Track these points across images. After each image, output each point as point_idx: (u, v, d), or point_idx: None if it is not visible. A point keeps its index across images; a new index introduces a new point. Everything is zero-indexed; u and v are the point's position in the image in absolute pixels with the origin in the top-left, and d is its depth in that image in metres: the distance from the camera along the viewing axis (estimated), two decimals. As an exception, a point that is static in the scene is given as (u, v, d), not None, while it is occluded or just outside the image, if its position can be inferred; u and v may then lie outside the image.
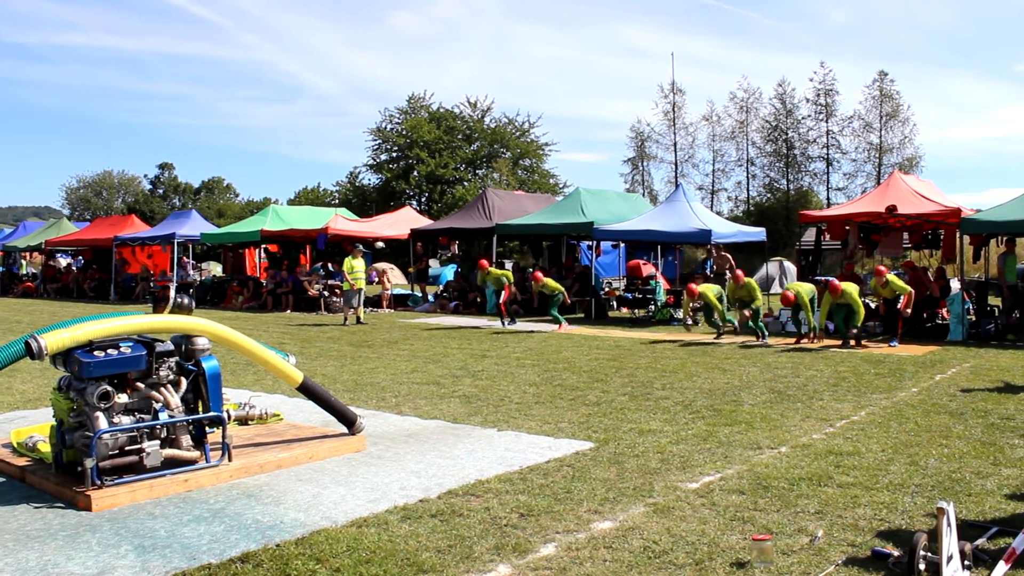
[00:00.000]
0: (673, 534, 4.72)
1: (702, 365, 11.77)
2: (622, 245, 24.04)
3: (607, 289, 22.83)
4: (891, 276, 14.79)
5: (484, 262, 19.59)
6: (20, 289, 34.75)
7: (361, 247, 20.38)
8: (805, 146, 55.03)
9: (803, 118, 54.92)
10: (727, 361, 12.22)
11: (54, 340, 5.42)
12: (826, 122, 54.06)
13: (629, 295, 20.88)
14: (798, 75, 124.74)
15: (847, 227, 18.30)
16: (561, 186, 57.00)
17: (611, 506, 5.25)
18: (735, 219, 41.34)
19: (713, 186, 57.38)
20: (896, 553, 4.23)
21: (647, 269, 22.21)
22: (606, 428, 7.52)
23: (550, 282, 18.23)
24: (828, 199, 52.58)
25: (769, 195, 55.87)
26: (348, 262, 19.34)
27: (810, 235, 23.53)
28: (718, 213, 37.95)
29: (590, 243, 23.49)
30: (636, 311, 20.36)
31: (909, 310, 14.30)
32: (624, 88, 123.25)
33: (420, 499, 5.39)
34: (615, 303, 21.75)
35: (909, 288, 14.51)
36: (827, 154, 54.22)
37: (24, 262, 41.86)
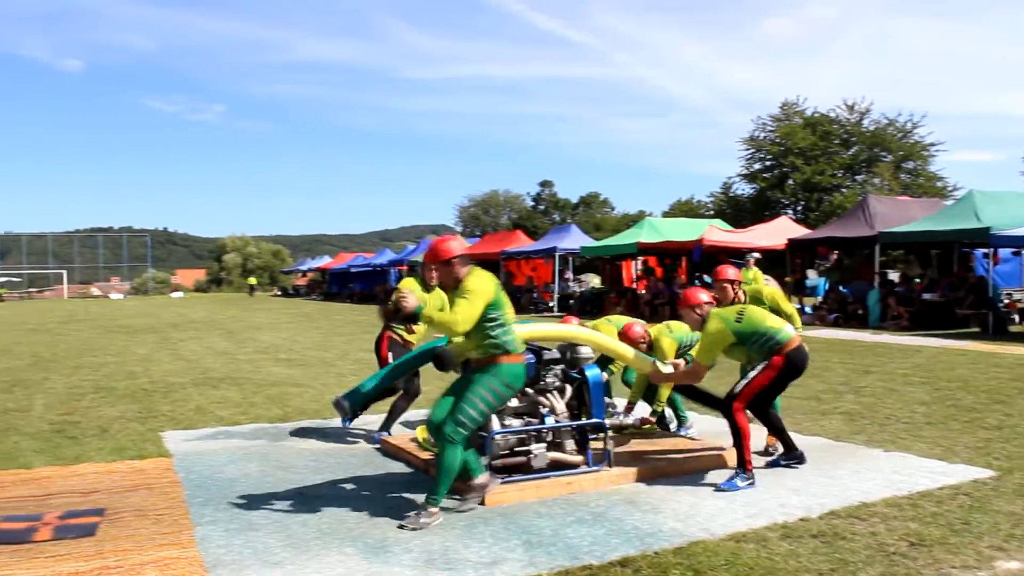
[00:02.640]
0: (1096, 580, 4.18)
1: None
2: (1024, 252, 21.70)
3: (1007, 301, 20.70)
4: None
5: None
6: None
7: (754, 256, 19.83)
8: None
9: None
10: None
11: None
12: None
13: (1036, 308, 18.79)
14: None
15: None
16: (950, 189, 52.39)
17: (1019, 544, 4.74)
18: None
19: None
20: None
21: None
22: (1010, 455, 6.82)
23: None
24: None
25: None
26: (744, 273, 19.02)
27: None
28: None
29: (986, 251, 21.45)
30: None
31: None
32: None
33: (800, 518, 5.23)
34: (1017, 316, 19.67)
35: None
36: None
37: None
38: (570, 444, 6.20)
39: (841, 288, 24.02)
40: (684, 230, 27.40)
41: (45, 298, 69.18)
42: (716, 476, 6.25)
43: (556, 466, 6.06)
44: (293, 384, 11.77)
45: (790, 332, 6.15)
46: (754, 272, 18.54)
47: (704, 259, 25.44)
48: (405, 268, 44.64)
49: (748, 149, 58.38)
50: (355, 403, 6.06)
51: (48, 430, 8.52)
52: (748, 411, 6.16)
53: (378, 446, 7.50)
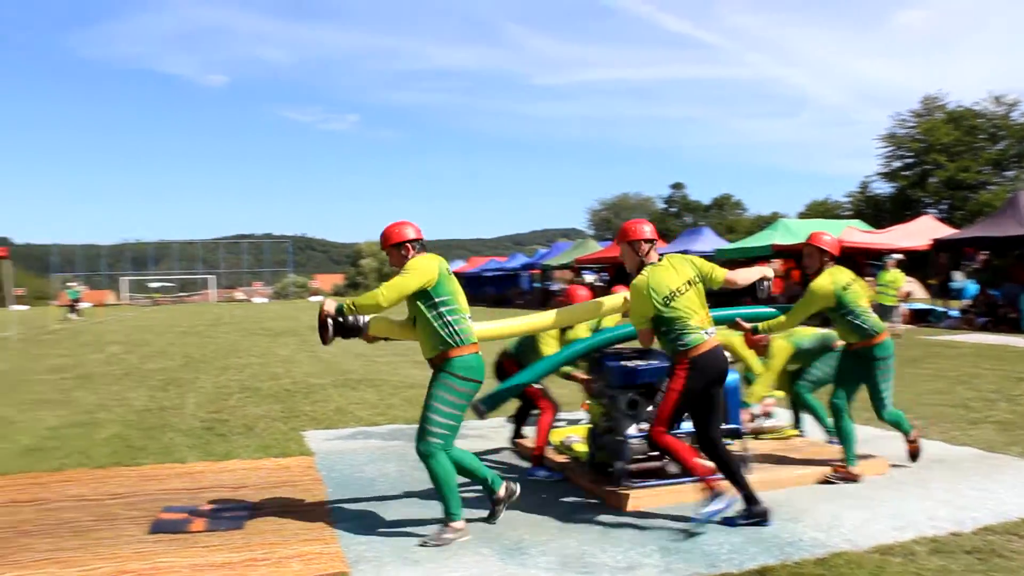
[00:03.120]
0: None
1: None
2: None
3: None
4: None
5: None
6: (554, 303, 38.54)
7: (895, 258, 18.93)
8: None
9: None
10: None
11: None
12: None
13: None
14: None
15: None
16: (1114, 183, 49.24)
17: None
18: None
19: None
20: None
21: None
22: None
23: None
24: None
25: None
26: (881, 275, 18.22)
27: None
28: None
29: None
30: None
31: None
32: None
33: (951, 532, 5.00)
34: None
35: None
36: None
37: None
38: (706, 450, 6.11)
39: (990, 291, 22.91)
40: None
41: (194, 302, 72.72)
42: (859, 487, 6.06)
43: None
44: (428, 386, 11.97)
45: (703, 336, 5.21)
46: (893, 274, 17.86)
47: (841, 261, 24.66)
48: (538, 272, 44.92)
49: (887, 146, 56.39)
50: (492, 407, 6.13)
51: (199, 427, 8.94)
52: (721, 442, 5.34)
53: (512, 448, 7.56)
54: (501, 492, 5.34)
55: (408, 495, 6.11)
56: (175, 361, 16.43)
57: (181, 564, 4.71)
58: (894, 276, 17.83)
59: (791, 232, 26.80)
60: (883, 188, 57.77)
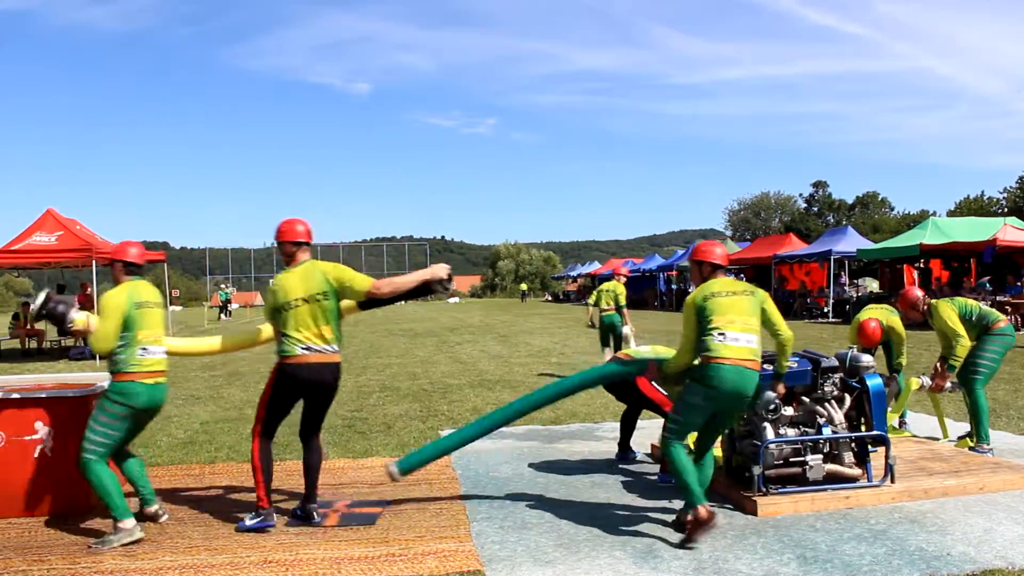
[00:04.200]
0: None
1: None
2: None
3: None
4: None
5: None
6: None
7: None
8: None
9: None
10: None
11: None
12: None
13: None
14: None
15: None
16: None
17: None
18: None
19: None
20: None
21: None
22: None
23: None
24: None
25: None
26: None
27: None
28: None
29: None
30: None
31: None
32: None
33: (1117, 550, 4.70)
34: None
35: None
36: None
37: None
38: (848, 456, 5.92)
39: None
40: (973, 230, 25.33)
41: (336, 303, 74.82)
42: (1016, 500, 5.74)
43: (833, 479, 5.81)
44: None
45: (297, 349, 5.49)
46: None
47: (997, 261, 23.44)
48: (675, 273, 44.40)
49: (1050, 139, 53.17)
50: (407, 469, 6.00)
51: (340, 425, 9.21)
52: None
53: (644, 453, 7.50)
54: (152, 508, 5.58)
55: (542, 496, 6.13)
56: (318, 360, 16.95)
57: (322, 556, 4.87)
58: None
59: (941, 231, 25.62)
60: (1048, 181, 54.55)
